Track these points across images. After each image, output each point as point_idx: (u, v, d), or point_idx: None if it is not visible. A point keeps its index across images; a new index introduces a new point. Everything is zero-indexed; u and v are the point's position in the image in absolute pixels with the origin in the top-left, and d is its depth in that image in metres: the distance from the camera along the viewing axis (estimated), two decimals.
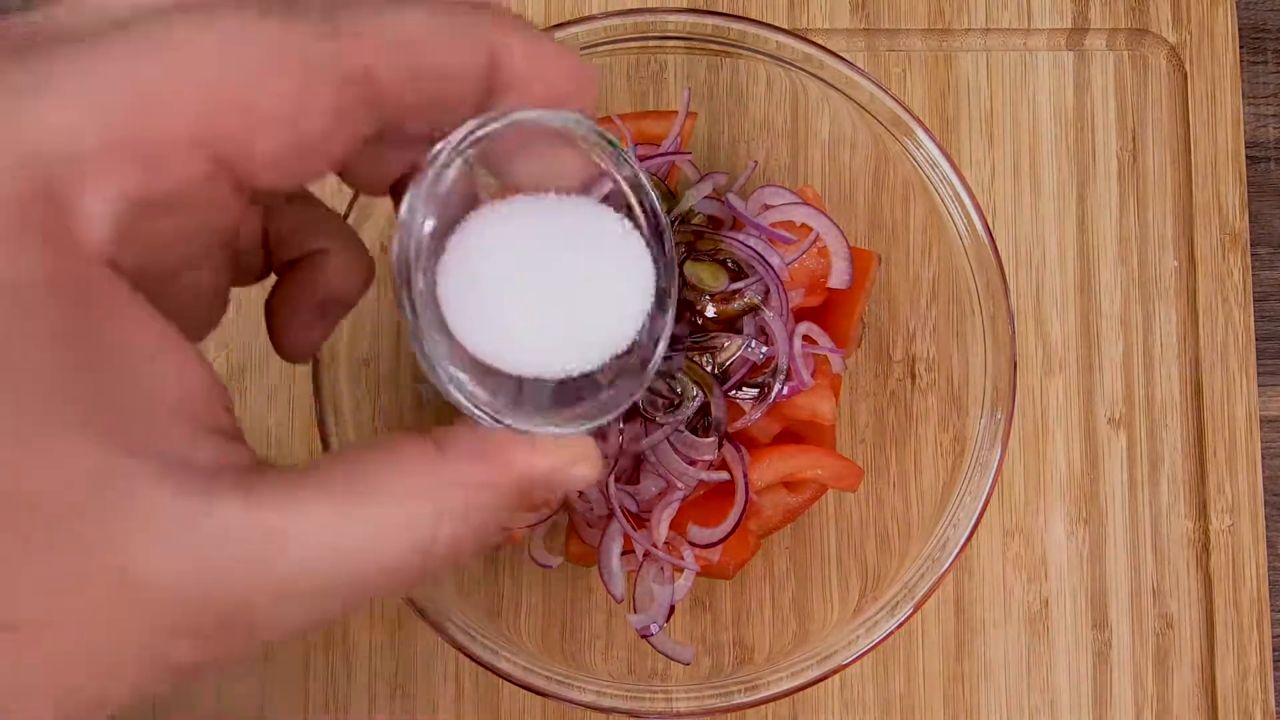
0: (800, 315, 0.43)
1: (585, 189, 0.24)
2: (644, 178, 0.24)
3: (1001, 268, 0.40)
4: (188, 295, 0.21)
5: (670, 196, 0.43)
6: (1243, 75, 0.50)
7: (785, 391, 0.41)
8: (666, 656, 0.43)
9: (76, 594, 0.17)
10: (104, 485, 0.17)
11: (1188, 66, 0.49)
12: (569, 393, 0.24)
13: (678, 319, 0.40)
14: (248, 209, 0.21)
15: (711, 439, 0.40)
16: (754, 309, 0.41)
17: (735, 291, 0.41)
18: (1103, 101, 0.49)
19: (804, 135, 0.46)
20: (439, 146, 0.22)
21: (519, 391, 0.23)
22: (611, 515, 0.41)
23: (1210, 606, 0.47)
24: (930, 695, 0.47)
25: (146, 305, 0.19)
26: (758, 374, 0.41)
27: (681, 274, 0.40)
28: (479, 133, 0.22)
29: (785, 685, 0.40)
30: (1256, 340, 0.49)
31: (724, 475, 0.41)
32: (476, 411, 0.22)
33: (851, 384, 0.46)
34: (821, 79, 0.41)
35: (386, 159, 0.23)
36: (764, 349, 0.41)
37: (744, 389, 0.41)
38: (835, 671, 0.40)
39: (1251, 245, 0.49)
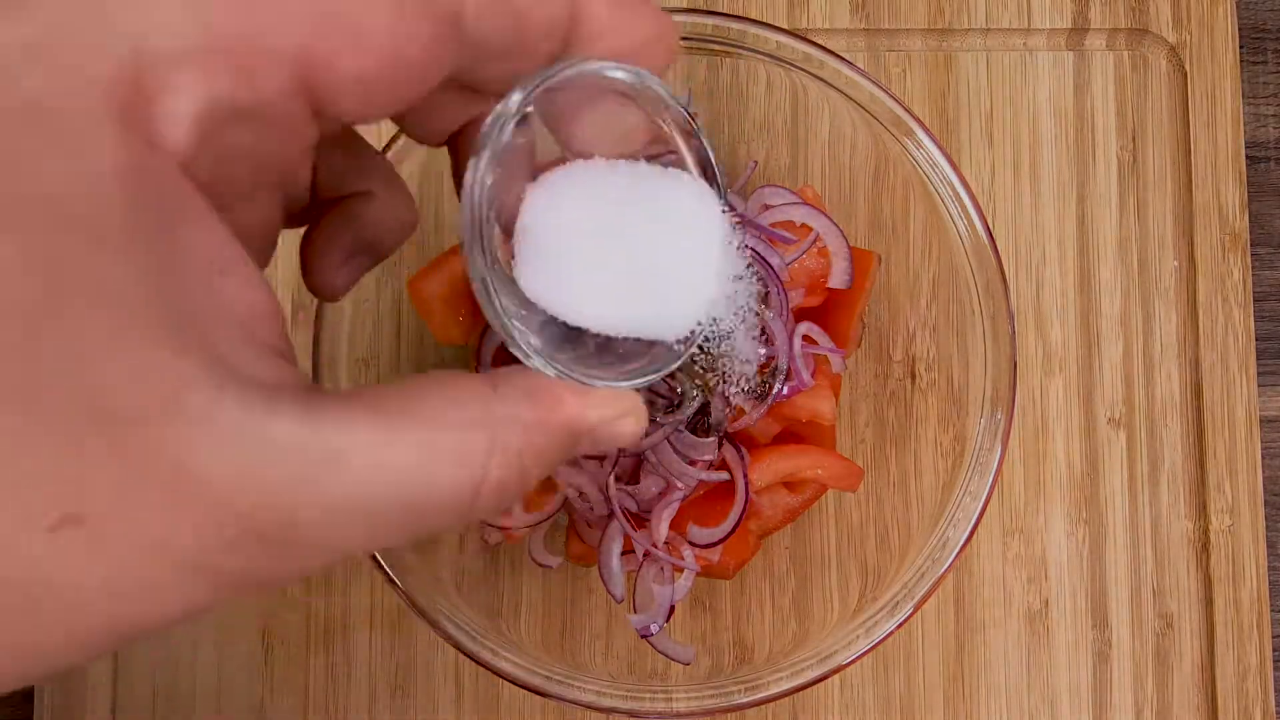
0: (800, 315, 0.43)
1: (645, 154, 0.24)
2: (709, 149, 0.24)
3: (1001, 268, 0.40)
4: (239, 231, 0.21)
5: None
6: (1243, 75, 0.50)
7: (785, 391, 0.41)
8: (666, 656, 0.43)
9: (139, 492, 0.17)
10: (174, 392, 0.17)
11: (1188, 66, 0.49)
12: (616, 350, 0.24)
13: None
14: (310, 143, 0.21)
15: (711, 439, 0.40)
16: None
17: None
18: (1103, 101, 0.49)
19: (804, 135, 0.46)
20: (510, 95, 0.22)
21: (566, 343, 0.23)
22: (611, 515, 0.41)
23: (1210, 606, 0.47)
24: (930, 695, 0.47)
25: (218, 217, 0.19)
26: (758, 374, 0.41)
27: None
28: (550, 80, 0.22)
29: (785, 685, 0.40)
30: (1256, 340, 0.48)
31: (724, 475, 0.41)
32: (538, 360, 0.22)
33: (851, 384, 0.46)
34: (821, 79, 0.41)
35: (451, 107, 0.23)
36: (764, 349, 0.41)
37: (744, 389, 0.41)
38: (835, 671, 0.40)
39: (1251, 245, 0.49)
